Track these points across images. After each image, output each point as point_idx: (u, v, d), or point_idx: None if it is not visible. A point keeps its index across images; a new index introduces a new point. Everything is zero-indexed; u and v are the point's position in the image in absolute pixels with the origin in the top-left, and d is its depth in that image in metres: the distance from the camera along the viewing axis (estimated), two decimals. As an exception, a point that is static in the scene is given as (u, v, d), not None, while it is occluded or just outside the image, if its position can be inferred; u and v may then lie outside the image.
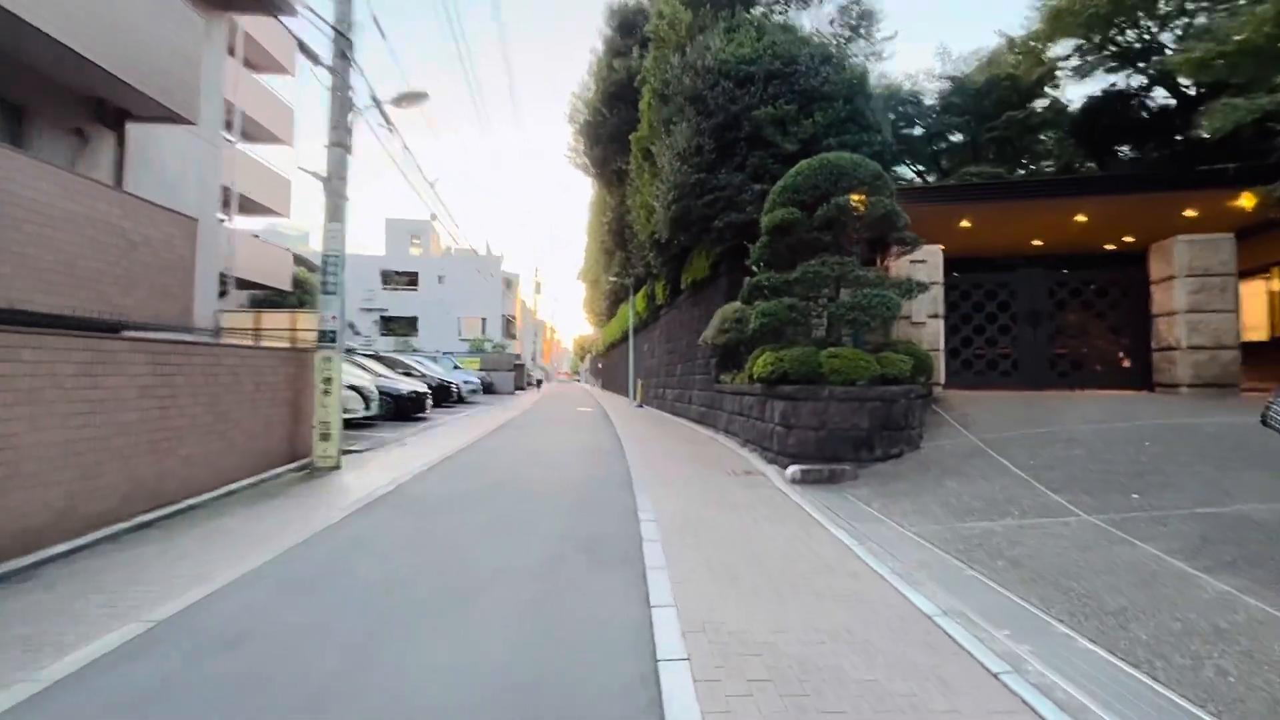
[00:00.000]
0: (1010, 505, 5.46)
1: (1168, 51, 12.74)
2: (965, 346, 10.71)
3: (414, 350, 33.62)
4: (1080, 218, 10.91)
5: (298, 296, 23.94)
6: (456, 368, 29.13)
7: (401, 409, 14.83)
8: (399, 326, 38.24)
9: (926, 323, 9.85)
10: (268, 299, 23.58)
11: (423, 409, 15.59)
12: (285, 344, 8.75)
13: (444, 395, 20.41)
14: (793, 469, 7.08)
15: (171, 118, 8.65)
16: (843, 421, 7.32)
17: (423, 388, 16.00)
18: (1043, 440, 6.94)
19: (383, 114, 9.18)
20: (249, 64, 18.88)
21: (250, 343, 7.21)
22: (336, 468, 8.00)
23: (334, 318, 8.15)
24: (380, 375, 16.63)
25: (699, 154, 11.75)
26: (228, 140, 18.05)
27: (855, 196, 7.86)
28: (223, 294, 20.99)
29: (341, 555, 4.54)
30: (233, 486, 6.53)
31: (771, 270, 8.64)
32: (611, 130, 19.52)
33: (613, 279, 26.42)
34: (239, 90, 19.37)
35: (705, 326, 13.70)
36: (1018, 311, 10.48)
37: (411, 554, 4.58)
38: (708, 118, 11.69)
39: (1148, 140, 15.05)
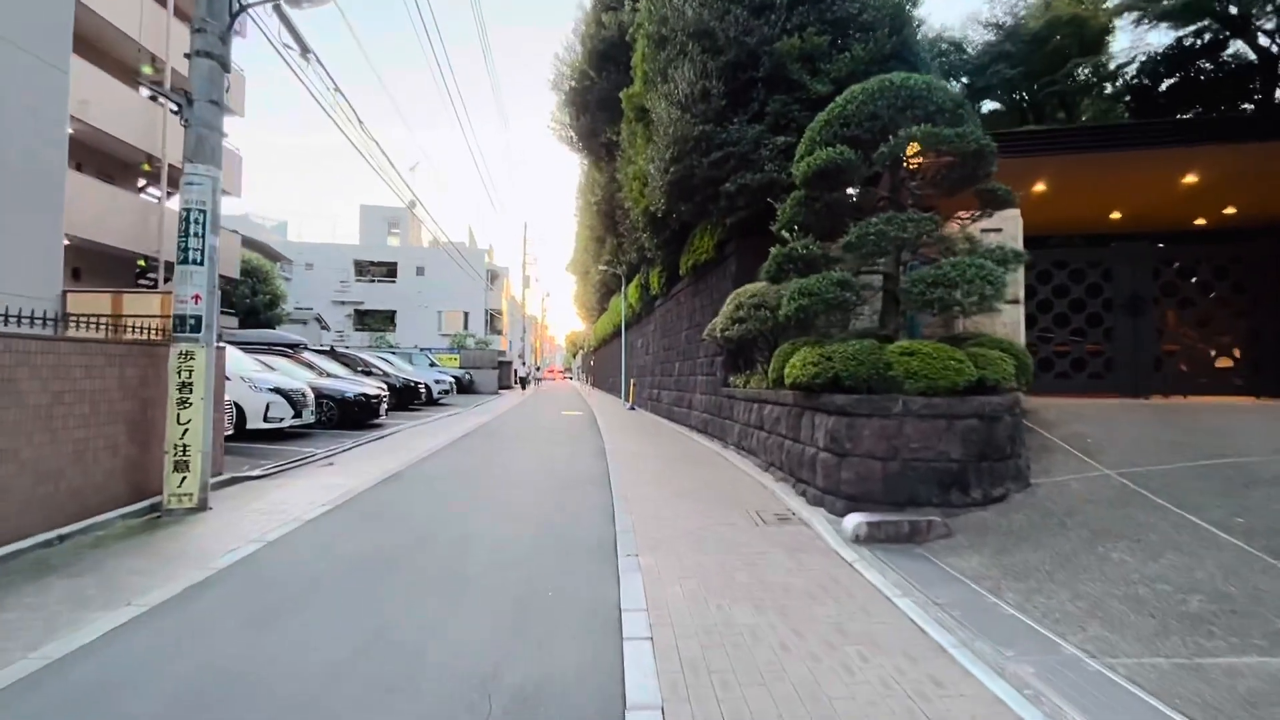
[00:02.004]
0: (1260, 606, 3.17)
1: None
2: (1043, 342, 8.45)
3: (390, 346, 31.17)
4: (1189, 178, 8.65)
5: (250, 286, 21.46)
6: (433, 365, 26.75)
7: (348, 415, 12.46)
8: (375, 321, 35.74)
9: (1003, 310, 7.54)
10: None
11: (376, 414, 13.22)
12: (145, 333, 6.39)
13: (409, 397, 18.06)
14: (855, 521, 4.77)
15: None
16: (924, 448, 5.02)
17: (376, 390, 13.62)
18: (1228, 479, 4.66)
19: (285, 21, 6.82)
20: (181, 14, 16.38)
21: (53, 333, 4.79)
22: (198, 509, 5.64)
23: (197, 297, 5.78)
24: (329, 375, 14.28)
25: (705, 100, 9.41)
26: (166, 107, 15.42)
27: (929, 129, 5.55)
28: (161, 280, 18.47)
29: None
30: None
31: (809, 236, 6.32)
32: (600, 96, 17.13)
33: (603, 268, 24.05)
34: (177, 49, 16.87)
35: (709, 318, 11.39)
36: (1113, 297, 8.22)
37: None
38: (716, 55, 9.34)
39: (1228, 98, 12.82)
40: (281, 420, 10.37)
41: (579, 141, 19.56)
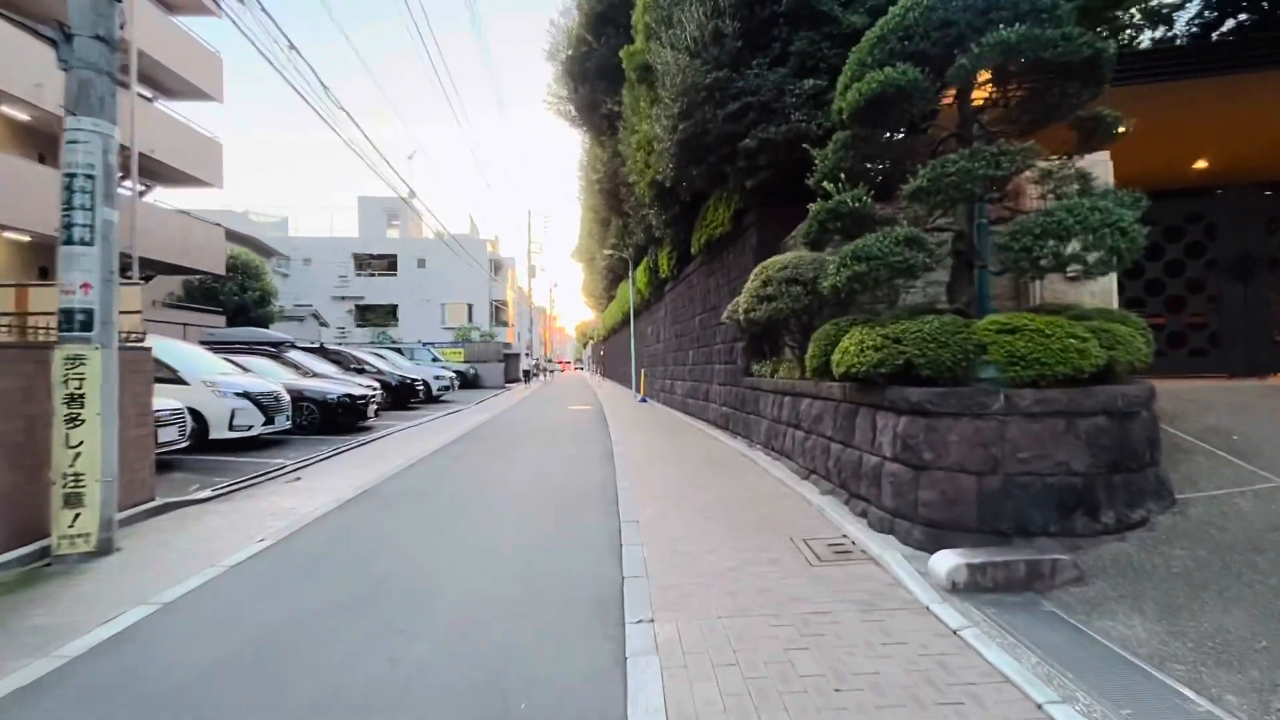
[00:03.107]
0: None
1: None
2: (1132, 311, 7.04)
3: (392, 342, 30.12)
4: (1308, 111, 7.16)
5: (238, 282, 20.40)
6: (436, 360, 25.65)
7: (331, 418, 11.32)
8: (376, 316, 34.69)
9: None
10: (202, 286, 20.04)
11: (363, 416, 12.07)
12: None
13: (406, 395, 16.93)
14: (949, 563, 3.48)
15: None
16: (1036, 457, 3.72)
17: (364, 390, 12.46)
18: None
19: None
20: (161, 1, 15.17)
21: None
22: (98, 552, 4.46)
23: (86, 286, 4.57)
24: (316, 375, 13.16)
25: (717, 43, 8.04)
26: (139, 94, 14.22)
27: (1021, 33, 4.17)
28: (146, 278, 17.34)
29: None
30: None
31: (859, 186, 4.98)
32: (599, 62, 15.74)
33: (608, 253, 22.71)
34: (145, 30, 15.69)
35: (725, 300, 10.09)
36: (1217, 258, 6.80)
37: None
38: (729, -11, 7.96)
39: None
40: (250, 428, 9.23)
41: (578, 115, 18.18)
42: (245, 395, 9.31)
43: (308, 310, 27.79)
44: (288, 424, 10.19)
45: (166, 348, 9.70)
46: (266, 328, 21.33)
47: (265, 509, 5.92)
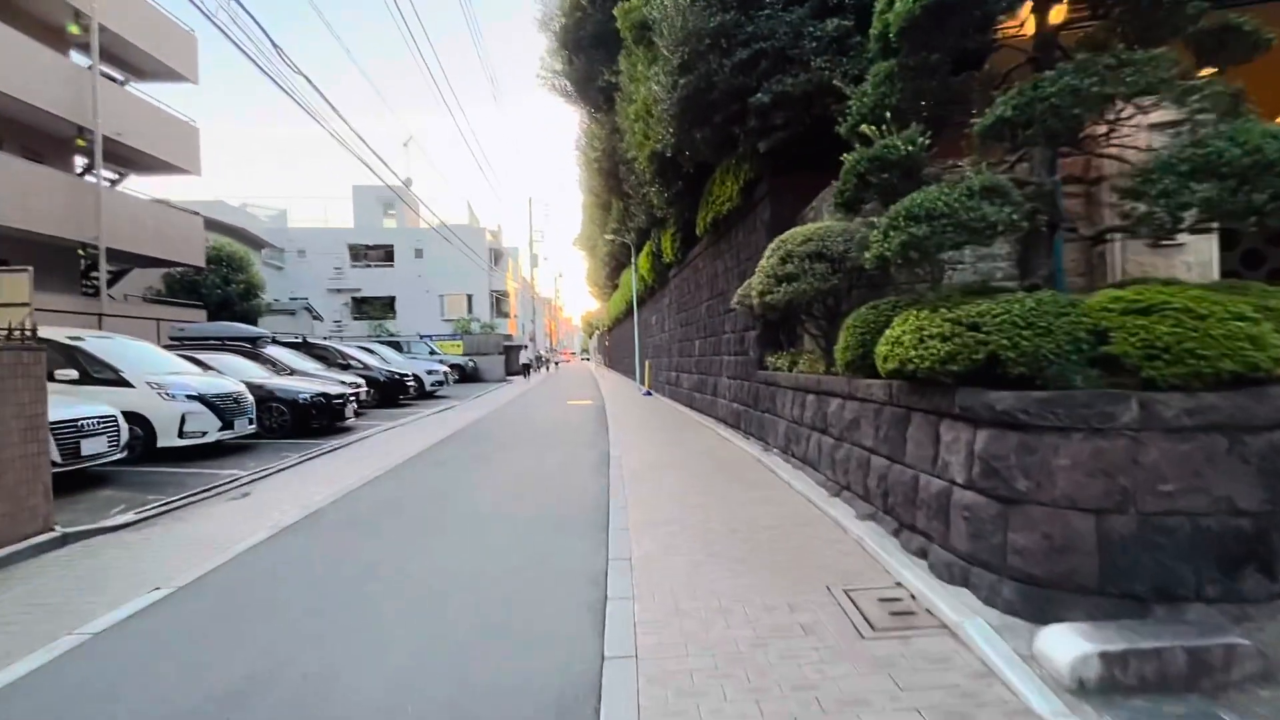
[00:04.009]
0: None
1: None
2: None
3: (390, 334, 29.16)
4: None
5: (221, 275, 19.43)
6: (433, 353, 24.68)
7: (303, 420, 10.33)
8: (373, 308, 33.70)
9: (1184, 243, 5.02)
10: (183, 279, 19.07)
11: (341, 416, 11.08)
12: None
13: (396, 391, 15.97)
14: (1072, 648, 2.40)
15: None
16: (1185, 489, 2.62)
17: (341, 388, 11.47)
18: None
19: None
20: (108, -38, 14.07)
21: None
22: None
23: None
24: (293, 373, 12.19)
25: (724, -20, 6.87)
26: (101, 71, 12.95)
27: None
28: (118, 272, 16.37)
29: None
30: None
31: (912, 126, 3.84)
32: (594, 30, 14.55)
33: (609, 237, 21.56)
34: (113, 6, 14.62)
35: (734, 284, 8.98)
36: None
37: None
38: (737, -84, 6.78)
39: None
40: (204, 434, 8.24)
41: (574, 90, 17.00)
42: (198, 398, 8.31)
43: (300, 304, 26.83)
44: (251, 428, 9.21)
45: (109, 345, 8.71)
46: (254, 322, 20.40)
47: (185, 539, 4.92)
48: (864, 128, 4.04)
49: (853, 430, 4.79)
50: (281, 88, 10.04)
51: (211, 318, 17.98)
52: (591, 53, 15.21)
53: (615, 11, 11.06)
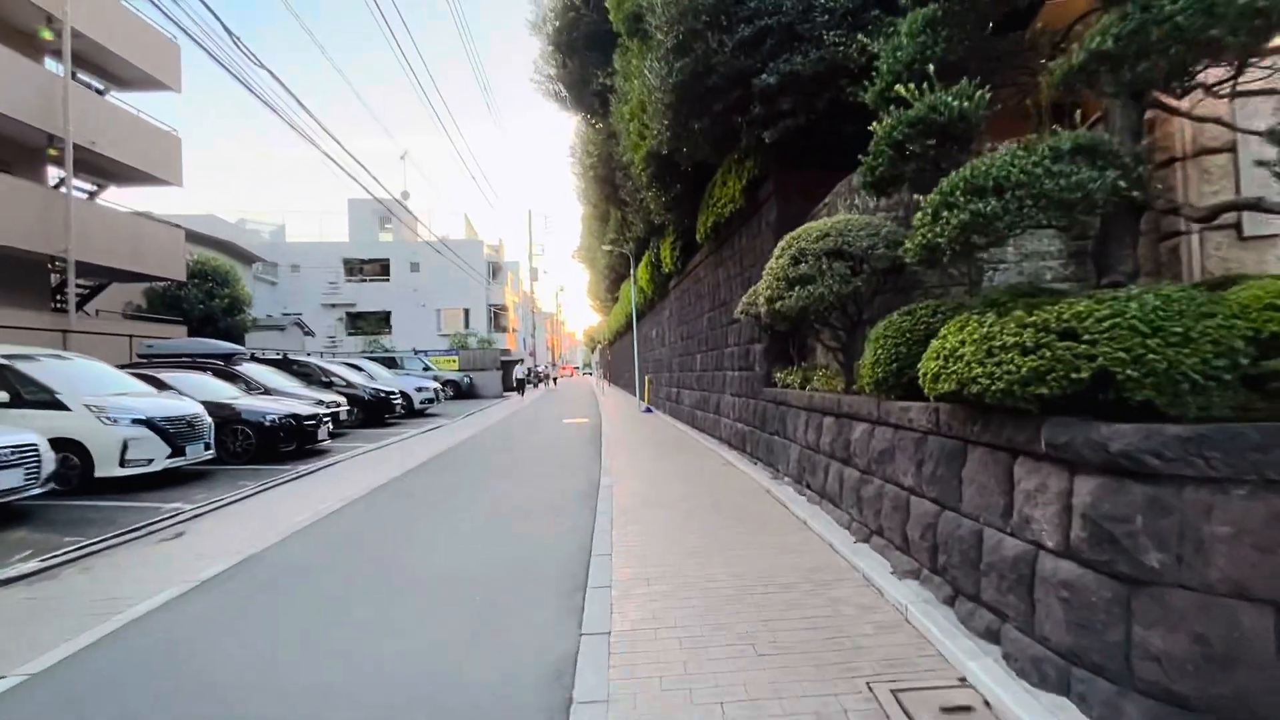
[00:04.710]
0: None
1: None
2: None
3: (385, 350, 28.39)
4: None
5: (204, 289, 18.72)
6: (427, 369, 23.89)
7: (270, 443, 9.48)
8: (368, 323, 32.97)
9: None
10: (165, 294, 18.35)
11: (313, 439, 10.26)
12: None
13: (382, 409, 15.13)
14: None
15: None
16: None
17: (315, 409, 10.65)
18: None
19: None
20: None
21: None
22: None
23: None
24: (266, 392, 11.38)
25: (723, -50, 6.12)
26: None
27: None
28: (95, 286, 15.62)
29: None
30: None
31: (962, 81, 3.03)
32: (588, 30, 13.90)
33: (607, 248, 20.82)
34: (91, 12, 14.06)
35: (738, 292, 8.18)
36: None
37: None
38: (736, -120, 6.04)
39: None
40: (149, 462, 7.41)
41: (568, 95, 16.33)
42: (145, 421, 7.49)
43: (290, 319, 26.09)
44: (208, 453, 8.37)
45: (49, 365, 7.90)
46: (239, 338, 19.67)
47: (79, 599, 4.07)
48: (899, 88, 3.22)
49: (885, 463, 3.92)
50: (267, 104, 9.36)
51: (193, 333, 17.27)
52: (585, 54, 14.56)
53: (608, 3, 10.37)
